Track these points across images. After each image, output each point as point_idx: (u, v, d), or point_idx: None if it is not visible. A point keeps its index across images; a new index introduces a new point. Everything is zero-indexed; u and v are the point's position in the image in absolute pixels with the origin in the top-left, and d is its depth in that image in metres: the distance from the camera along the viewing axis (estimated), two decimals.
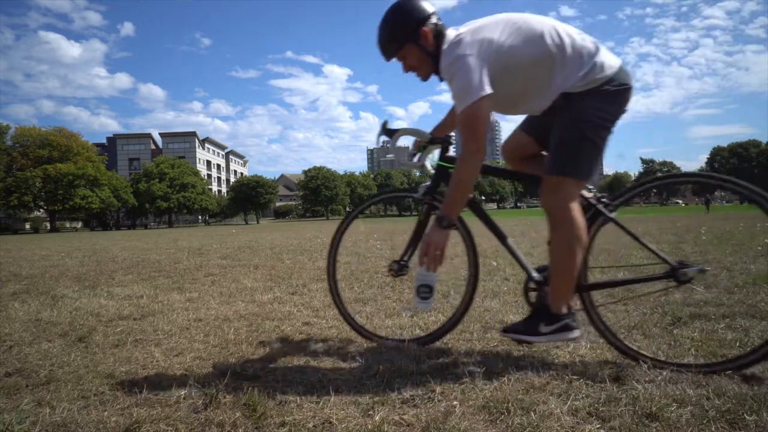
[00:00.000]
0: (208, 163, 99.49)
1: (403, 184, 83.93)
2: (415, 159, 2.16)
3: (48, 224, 58.89)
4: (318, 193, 74.71)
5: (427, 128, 2.21)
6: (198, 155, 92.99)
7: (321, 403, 1.53)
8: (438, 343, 2.14)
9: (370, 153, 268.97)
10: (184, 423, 1.42)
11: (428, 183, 2.12)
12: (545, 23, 1.81)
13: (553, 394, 1.55)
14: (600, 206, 1.90)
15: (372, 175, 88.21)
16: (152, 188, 62.98)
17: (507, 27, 1.80)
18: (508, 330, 1.95)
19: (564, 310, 1.85)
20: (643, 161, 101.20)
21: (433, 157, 2.15)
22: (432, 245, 1.80)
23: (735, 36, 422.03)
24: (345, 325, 2.52)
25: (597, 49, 1.78)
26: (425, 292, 1.86)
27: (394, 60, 1.95)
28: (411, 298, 3.13)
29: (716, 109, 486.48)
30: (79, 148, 56.35)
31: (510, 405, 1.44)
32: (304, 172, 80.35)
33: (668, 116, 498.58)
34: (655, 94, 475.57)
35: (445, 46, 1.84)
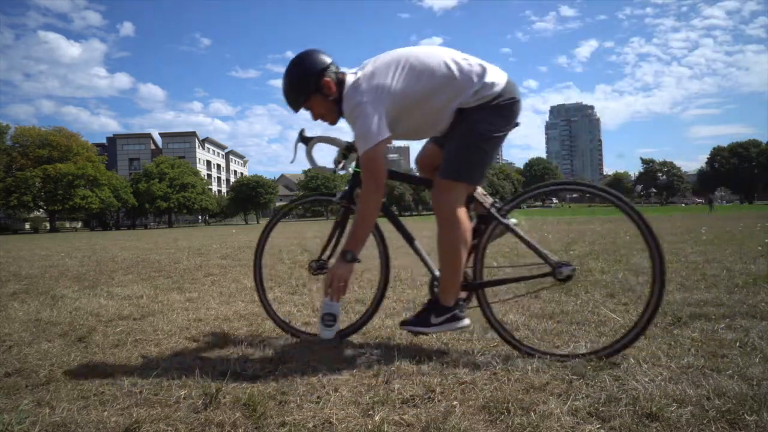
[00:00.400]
0: (208, 163, 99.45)
1: (403, 183, 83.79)
2: (340, 166, 2.28)
3: (48, 224, 58.86)
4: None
5: None
6: (198, 155, 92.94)
7: (321, 403, 1.53)
8: (438, 343, 2.15)
9: None
10: (184, 423, 1.42)
11: (346, 188, 2.25)
12: (434, 56, 1.95)
13: (553, 394, 1.55)
14: (493, 210, 2.04)
15: None
16: (152, 188, 62.96)
17: (398, 68, 1.93)
18: (404, 323, 2.10)
19: (452, 302, 2.00)
20: (643, 161, 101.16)
21: (354, 164, 2.23)
22: (336, 277, 1.94)
23: (735, 36, 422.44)
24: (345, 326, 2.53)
25: (483, 70, 1.93)
26: (329, 320, 1.94)
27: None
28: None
29: (716, 109, 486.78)
30: (78, 148, 56.30)
31: (510, 405, 1.45)
32: (304, 172, 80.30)
33: (668, 116, 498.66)
34: (655, 94, 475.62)
35: (345, 92, 1.97)
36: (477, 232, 2.04)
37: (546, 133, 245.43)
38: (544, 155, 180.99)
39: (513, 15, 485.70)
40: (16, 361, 2.06)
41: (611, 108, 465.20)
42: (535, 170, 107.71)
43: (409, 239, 2.18)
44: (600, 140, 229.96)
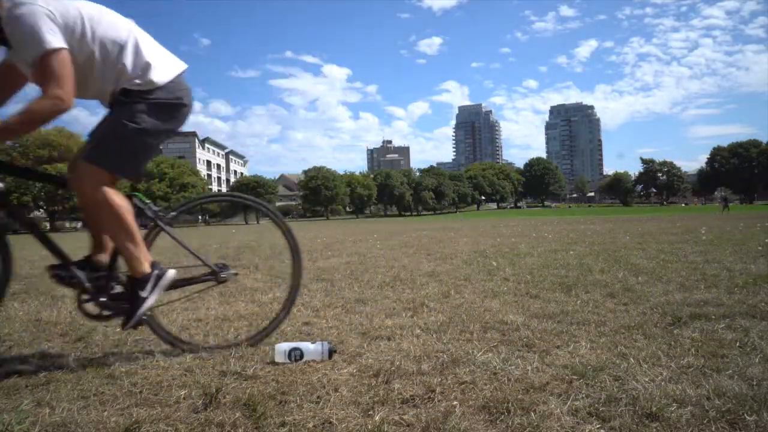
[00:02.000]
0: (208, 163, 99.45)
1: (403, 184, 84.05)
2: None
3: (48, 224, 58.85)
4: (318, 193, 74.77)
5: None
6: (198, 155, 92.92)
7: (321, 403, 1.53)
8: (439, 344, 2.14)
9: (370, 153, 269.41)
10: (184, 423, 1.41)
11: None
12: (121, 20, 1.91)
13: (553, 394, 1.55)
14: (157, 219, 2.13)
15: (372, 176, 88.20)
16: (152, 188, 62.95)
17: (103, 12, 1.86)
18: (125, 325, 1.95)
19: (148, 268, 1.96)
20: (643, 161, 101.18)
21: None
22: None
23: (735, 36, 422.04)
24: (345, 326, 2.53)
25: (150, 55, 1.87)
26: (296, 353, 1.95)
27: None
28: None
29: (716, 109, 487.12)
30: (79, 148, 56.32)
31: (510, 405, 1.44)
32: (304, 172, 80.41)
33: (668, 116, 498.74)
34: (655, 94, 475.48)
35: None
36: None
37: (546, 133, 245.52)
38: (544, 155, 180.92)
39: (512, 15, 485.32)
40: (16, 361, 2.06)
41: (611, 108, 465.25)
42: (535, 170, 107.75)
43: (65, 260, 2.02)
44: (600, 140, 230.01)
